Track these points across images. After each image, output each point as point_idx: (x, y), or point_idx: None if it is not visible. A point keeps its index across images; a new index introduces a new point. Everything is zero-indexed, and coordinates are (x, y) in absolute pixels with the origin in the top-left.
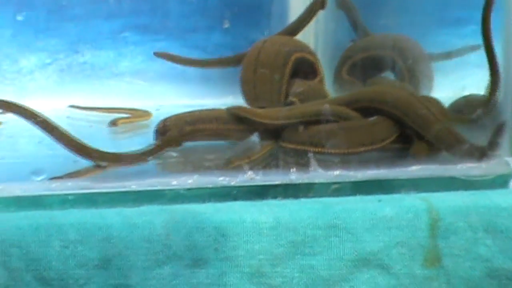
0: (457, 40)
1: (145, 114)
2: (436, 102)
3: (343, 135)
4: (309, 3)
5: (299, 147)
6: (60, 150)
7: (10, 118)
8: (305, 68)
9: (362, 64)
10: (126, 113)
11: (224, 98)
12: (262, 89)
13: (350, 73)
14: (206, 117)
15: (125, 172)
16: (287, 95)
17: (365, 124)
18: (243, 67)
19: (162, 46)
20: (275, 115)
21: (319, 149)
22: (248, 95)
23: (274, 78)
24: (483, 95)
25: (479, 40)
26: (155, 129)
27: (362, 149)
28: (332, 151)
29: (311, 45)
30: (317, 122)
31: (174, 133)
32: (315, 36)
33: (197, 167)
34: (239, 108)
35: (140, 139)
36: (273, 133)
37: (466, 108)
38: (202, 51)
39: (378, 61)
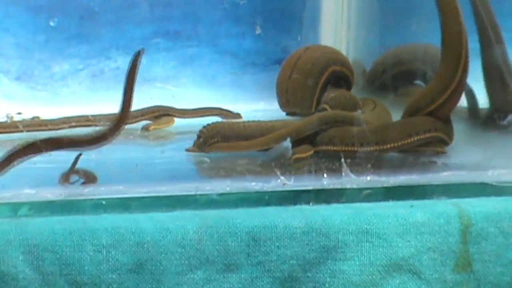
0: None
1: (169, 120)
2: None
3: (376, 133)
4: (342, 8)
5: (333, 148)
6: (92, 155)
7: None
8: (340, 81)
9: (393, 78)
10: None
11: (256, 104)
12: (294, 94)
13: (381, 88)
14: (240, 139)
15: (158, 177)
16: (318, 103)
17: (397, 121)
18: (280, 71)
19: (194, 52)
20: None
21: (352, 148)
22: (281, 98)
23: (308, 85)
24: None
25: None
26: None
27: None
28: (366, 149)
29: (343, 52)
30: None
31: (202, 142)
32: (347, 42)
33: (230, 173)
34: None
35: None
36: (305, 138)
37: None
38: (233, 57)
39: (409, 74)
